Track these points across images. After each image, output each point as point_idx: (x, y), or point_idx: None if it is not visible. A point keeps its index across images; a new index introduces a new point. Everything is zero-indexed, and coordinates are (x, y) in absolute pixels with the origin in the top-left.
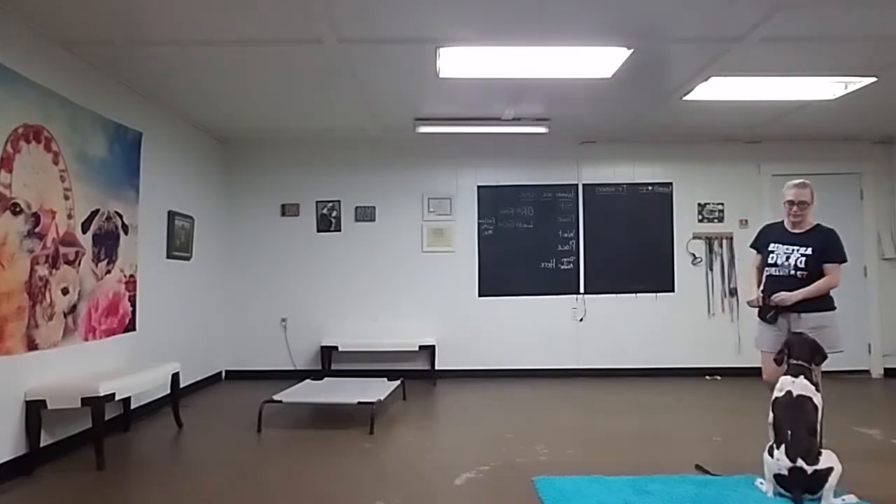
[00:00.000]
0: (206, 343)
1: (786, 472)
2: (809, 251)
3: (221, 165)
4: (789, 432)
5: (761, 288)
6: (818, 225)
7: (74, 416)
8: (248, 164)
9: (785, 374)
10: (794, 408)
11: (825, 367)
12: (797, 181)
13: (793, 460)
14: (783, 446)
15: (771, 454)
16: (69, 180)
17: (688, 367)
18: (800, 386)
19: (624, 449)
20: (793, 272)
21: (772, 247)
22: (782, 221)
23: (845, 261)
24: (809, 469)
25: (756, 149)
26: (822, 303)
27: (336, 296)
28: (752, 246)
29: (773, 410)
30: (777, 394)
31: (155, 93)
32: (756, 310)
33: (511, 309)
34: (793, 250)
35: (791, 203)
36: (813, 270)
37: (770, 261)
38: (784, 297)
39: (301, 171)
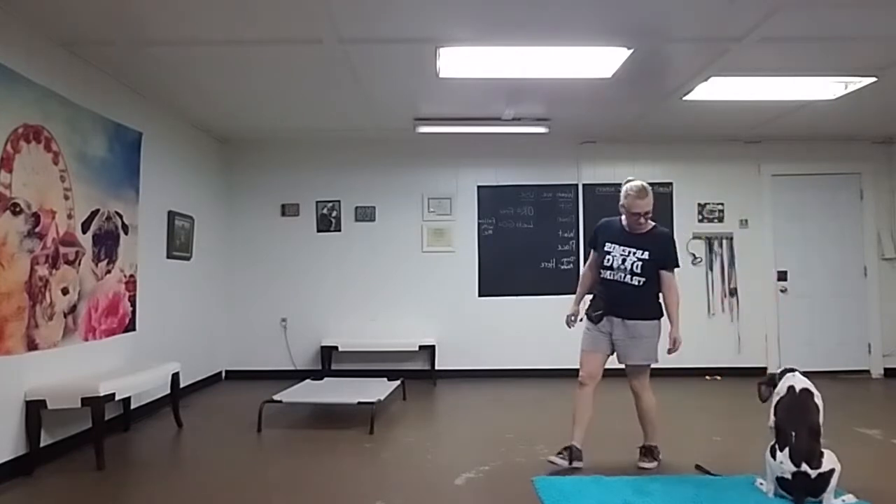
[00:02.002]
0: (206, 343)
1: (789, 477)
2: (646, 255)
3: (221, 165)
4: (793, 434)
5: (589, 301)
6: (655, 227)
7: (74, 416)
8: (248, 164)
9: (781, 377)
10: (797, 408)
11: (821, 367)
12: (636, 188)
13: (797, 464)
14: (787, 449)
15: (773, 455)
16: (69, 180)
17: (688, 367)
18: (800, 380)
19: (624, 449)
20: (628, 277)
21: (608, 247)
22: (620, 218)
23: (678, 266)
24: (813, 473)
25: (756, 149)
26: (650, 310)
27: (336, 296)
28: (589, 244)
29: (774, 413)
30: (779, 395)
31: (155, 93)
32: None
33: (511, 309)
34: (629, 253)
35: (637, 215)
36: (649, 276)
37: (605, 262)
38: (679, 340)
39: (301, 171)
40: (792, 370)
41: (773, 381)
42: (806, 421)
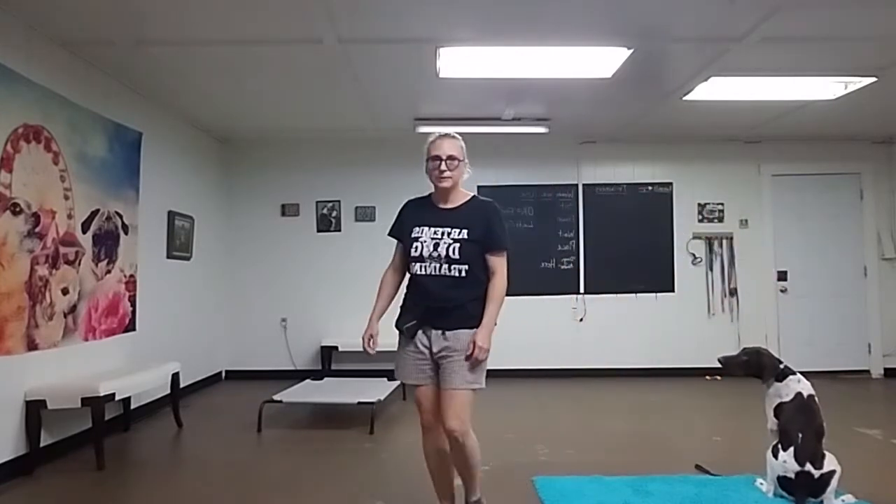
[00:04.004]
0: (206, 343)
1: (792, 476)
2: (465, 234)
3: (221, 165)
4: (800, 435)
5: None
6: (475, 197)
7: (74, 416)
8: (248, 164)
9: (783, 378)
10: (804, 410)
11: (821, 367)
12: (442, 132)
13: (801, 464)
14: (791, 449)
15: (775, 455)
16: (69, 180)
17: (688, 367)
18: (806, 385)
19: (624, 449)
20: (444, 267)
21: (416, 231)
22: (430, 195)
23: (508, 248)
24: (817, 473)
25: (756, 149)
26: (477, 312)
27: (336, 296)
28: (390, 234)
29: (777, 416)
30: (782, 399)
31: (155, 93)
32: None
33: (511, 309)
34: (443, 234)
35: (437, 159)
36: (472, 263)
37: (414, 252)
38: (481, 346)
39: (301, 171)
40: (791, 371)
41: (750, 363)
42: (813, 423)
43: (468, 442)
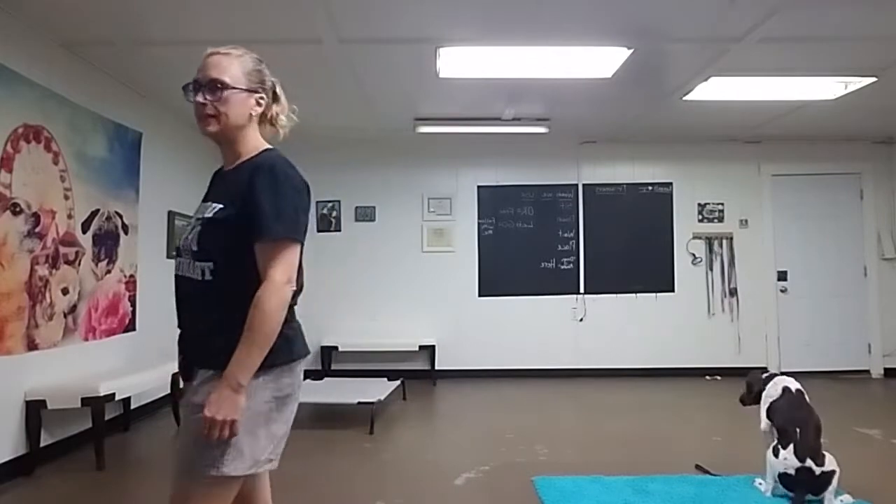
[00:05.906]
0: None
1: (793, 472)
2: (217, 210)
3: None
4: (798, 430)
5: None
6: (263, 153)
7: (74, 416)
8: None
9: (769, 381)
10: (799, 406)
11: (821, 367)
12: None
13: (801, 460)
14: (791, 446)
15: (776, 454)
16: (69, 180)
17: (688, 367)
18: (790, 380)
19: (624, 449)
20: (189, 265)
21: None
22: None
23: (298, 238)
24: (818, 470)
25: (756, 149)
26: (228, 346)
27: (336, 296)
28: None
29: (769, 416)
30: (772, 398)
31: (155, 93)
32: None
33: (511, 309)
34: (204, 210)
35: (197, 86)
36: (225, 258)
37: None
38: (208, 416)
39: (301, 171)
40: (777, 374)
41: (751, 388)
42: (810, 419)
43: None
